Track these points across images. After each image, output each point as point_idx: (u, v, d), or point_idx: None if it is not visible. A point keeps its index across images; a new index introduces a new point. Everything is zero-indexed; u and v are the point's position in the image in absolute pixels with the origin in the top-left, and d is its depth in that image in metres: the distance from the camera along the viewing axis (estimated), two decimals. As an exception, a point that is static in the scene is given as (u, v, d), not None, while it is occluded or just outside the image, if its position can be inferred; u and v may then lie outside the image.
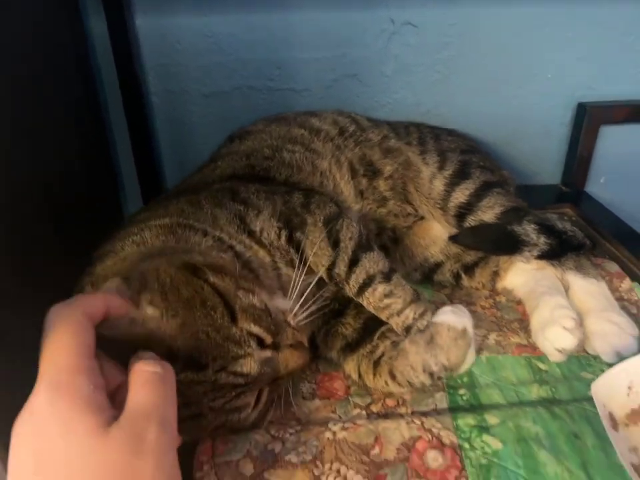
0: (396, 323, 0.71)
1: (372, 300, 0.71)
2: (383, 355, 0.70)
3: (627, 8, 1.14)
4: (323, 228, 0.73)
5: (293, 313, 0.64)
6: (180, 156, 1.23)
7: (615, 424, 0.61)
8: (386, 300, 0.71)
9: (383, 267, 0.73)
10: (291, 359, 0.60)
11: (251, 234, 0.70)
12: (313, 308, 0.66)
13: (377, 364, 0.69)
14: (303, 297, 0.65)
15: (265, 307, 0.59)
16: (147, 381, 0.44)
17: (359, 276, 0.71)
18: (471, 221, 0.89)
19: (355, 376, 0.72)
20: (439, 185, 0.92)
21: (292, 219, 0.74)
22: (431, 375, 0.66)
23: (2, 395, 0.56)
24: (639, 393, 0.64)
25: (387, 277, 0.72)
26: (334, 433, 0.63)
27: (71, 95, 1.00)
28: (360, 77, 1.18)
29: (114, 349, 0.47)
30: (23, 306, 0.67)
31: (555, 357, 0.73)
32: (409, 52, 1.15)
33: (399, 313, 0.70)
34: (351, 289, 0.72)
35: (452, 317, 0.68)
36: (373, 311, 0.72)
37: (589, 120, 1.21)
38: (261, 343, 0.57)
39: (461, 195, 0.90)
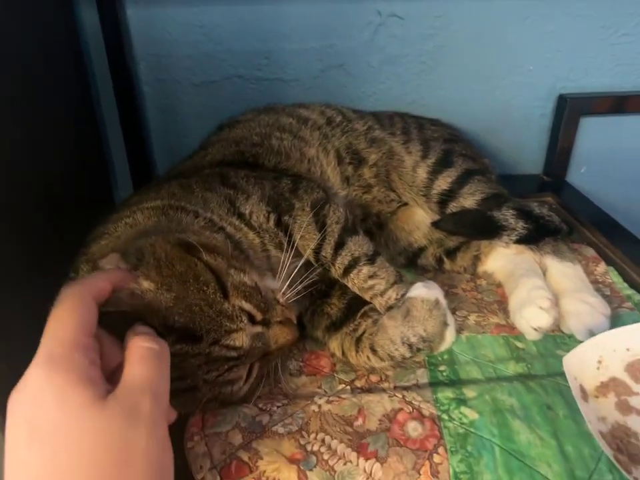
0: (379, 303, 0.74)
1: (357, 281, 0.74)
2: (364, 332, 0.73)
3: (606, 2, 1.17)
4: (310, 212, 0.76)
5: (282, 291, 0.66)
6: (171, 144, 1.24)
7: (585, 395, 0.64)
8: (370, 281, 0.74)
9: (368, 249, 0.75)
10: (280, 335, 0.62)
11: (240, 216, 0.73)
12: (301, 287, 0.69)
13: (359, 340, 0.72)
14: (291, 277, 0.68)
15: (255, 285, 0.62)
16: (143, 356, 0.46)
17: (344, 258, 0.74)
18: (452, 207, 0.92)
19: (338, 353, 0.75)
20: (422, 173, 0.95)
21: (280, 203, 0.76)
22: (410, 346, 0.69)
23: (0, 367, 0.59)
24: (608, 366, 0.67)
25: (371, 260, 0.75)
26: (319, 406, 0.66)
27: (64, 86, 1.01)
28: (347, 67, 1.20)
29: (113, 324, 0.49)
30: (16, 292, 0.70)
31: (532, 335, 0.76)
32: (395, 43, 1.18)
33: (382, 294, 0.73)
34: (336, 271, 0.75)
35: (424, 290, 0.71)
36: (357, 291, 0.75)
37: (569, 111, 1.24)
38: (252, 319, 0.59)
39: (443, 183, 0.93)
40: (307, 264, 0.74)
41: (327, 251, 0.74)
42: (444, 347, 0.74)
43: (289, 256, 0.69)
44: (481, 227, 0.90)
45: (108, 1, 1.06)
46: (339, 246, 0.75)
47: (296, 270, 0.69)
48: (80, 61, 1.10)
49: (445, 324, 0.73)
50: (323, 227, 0.75)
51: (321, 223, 0.76)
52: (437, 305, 0.70)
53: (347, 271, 0.74)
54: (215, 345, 0.55)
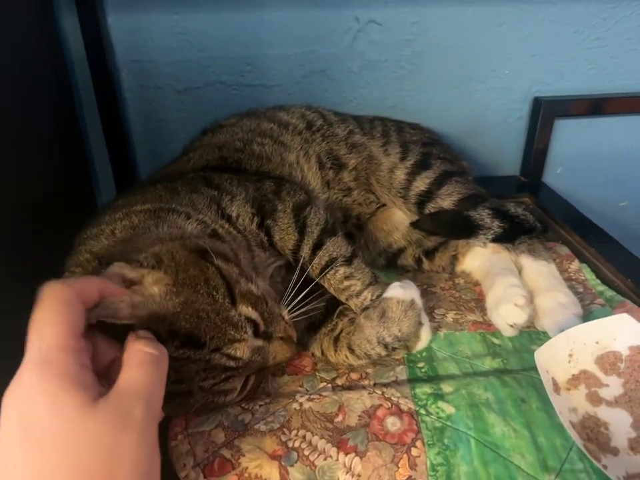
0: (354, 304, 0.75)
1: (333, 281, 0.76)
2: (341, 331, 0.74)
3: (579, 7, 1.20)
4: (292, 214, 0.78)
5: (288, 309, 0.68)
6: (153, 150, 1.25)
7: (557, 388, 0.67)
8: (346, 282, 0.75)
9: (345, 251, 0.77)
10: (280, 351, 0.63)
11: (228, 219, 0.74)
12: (308, 307, 0.70)
13: (336, 340, 0.74)
14: (298, 299, 0.69)
15: (261, 294, 0.63)
16: (142, 361, 0.47)
17: (321, 258, 0.75)
18: (430, 208, 0.94)
19: (318, 353, 0.76)
20: (400, 174, 0.97)
21: (264, 204, 0.77)
22: (386, 346, 0.70)
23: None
24: (578, 359, 0.69)
25: (348, 261, 0.76)
26: (300, 404, 0.68)
27: (46, 92, 1.01)
28: (328, 72, 1.22)
29: (112, 330, 0.49)
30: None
31: (508, 331, 0.78)
32: (374, 49, 1.20)
33: (357, 295, 0.75)
34: (313, 270, 0.76)
35: (400, 291, 0.72)
36: (333, 292, 0.77)
37: (544, 114, 1.28)
38: (256, 331, 0.61)
39: (421, 184, 0.95)
40: (316, 285, 0.75)
41: (305, 251, 0.76)
42: (420, 346, 0.76)
43: (296, 283, 0.70)
44: (458, 227, 0.92)
45: (89, 8, 1.07)
46: (317, 246, 0.76)
47: (303, 293, 0.70)
48: (62, 68, 1.10)
49: (420, 323, 0.74)
50: (303, 228, 0.77)
51: (301, 224, 0.77)
52: (412, 305, 0.71)
53: (324, 271, 0.75)
54: (216, 352, 0.56)
